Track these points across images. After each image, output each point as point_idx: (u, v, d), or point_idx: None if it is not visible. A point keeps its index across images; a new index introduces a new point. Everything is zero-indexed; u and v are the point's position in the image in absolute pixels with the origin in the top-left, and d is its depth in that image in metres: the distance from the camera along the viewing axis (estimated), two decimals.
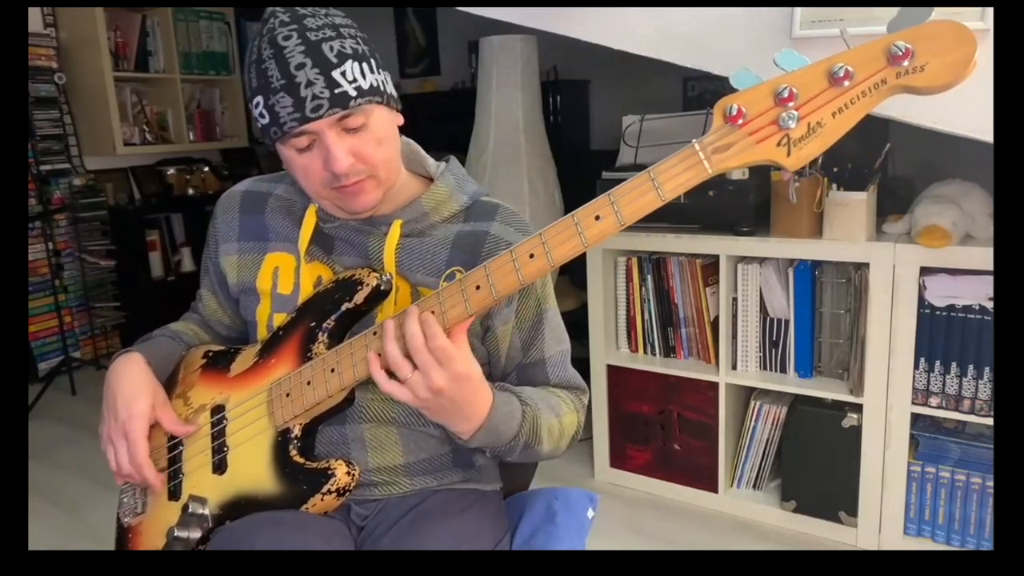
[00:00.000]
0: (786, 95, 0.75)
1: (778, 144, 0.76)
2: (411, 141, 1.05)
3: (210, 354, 1.05)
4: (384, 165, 0.92)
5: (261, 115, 0.89)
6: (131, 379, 0.99)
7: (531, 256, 0.82)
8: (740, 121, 0.76)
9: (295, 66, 0.85)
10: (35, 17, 3.55)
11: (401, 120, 0.96)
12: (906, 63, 0.72)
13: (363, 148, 0.89)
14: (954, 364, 1.76)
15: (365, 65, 0.89)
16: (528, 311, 1.00)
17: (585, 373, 2.32)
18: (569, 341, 1.07)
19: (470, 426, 0.87)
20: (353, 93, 0.87)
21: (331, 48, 0.86)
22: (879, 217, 1.92)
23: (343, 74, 0.86)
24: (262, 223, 1.04)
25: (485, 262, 0.85)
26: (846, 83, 0.73)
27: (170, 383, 1.04)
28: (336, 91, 0.86)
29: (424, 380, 0.82)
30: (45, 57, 3.55)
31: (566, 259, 0.82)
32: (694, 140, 0.78)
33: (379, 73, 0.91)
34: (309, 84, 0.85)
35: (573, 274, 3.15)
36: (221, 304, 1.12)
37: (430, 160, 1.04)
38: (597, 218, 0.80)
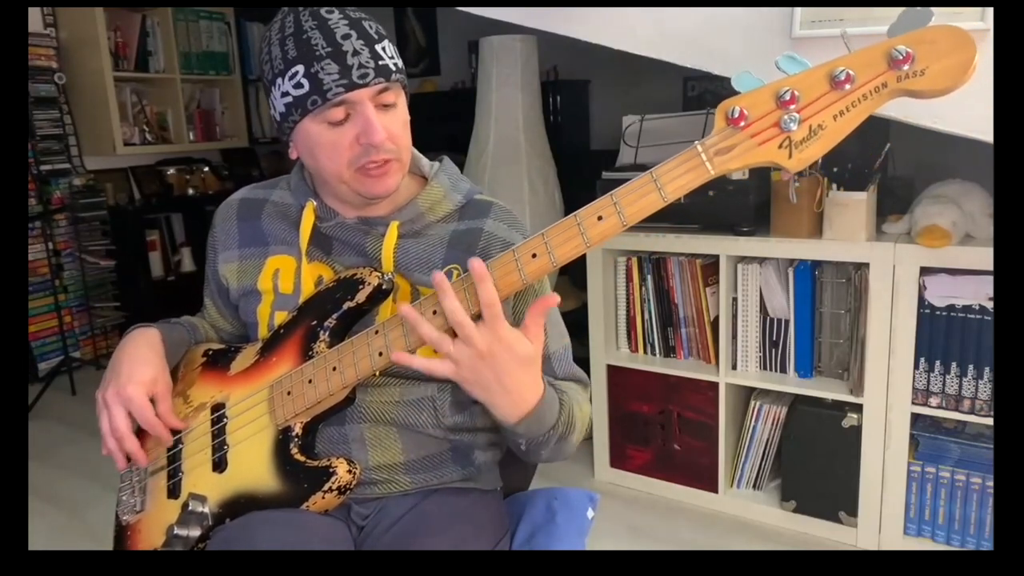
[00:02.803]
0: (788, 98, 0.75)
1: (780, 146, 0.77)
2: None
3: (210, 352, 1.06)
4: (407, 149, 0.96)
5: (298, 85, 0.88)
6: (142, 352, 0.99)
7: (533, 256, 0.83)
8: (742, 123, 0.77)
9: (341, 35, 0.88)
10: (35, 17, 3.55)
11: (409, 117, 0.98)
12: (906, 67, 0.72)
13: (393, 127, 0.92)
14: (954, 364, 1.76)
15: (395, 49, 0.94)
16: (527, 308, 0.99)
17: (585, 373, 2.33)
18: (569, 336, 1.06)
19: (515, 410, 0.85)
20: (393, 68, 0.91)
21: (370, 26, 0.92)
22: (879, 217, 1.92)
23: (383, 49, 0.91)
24: (260, 228, 1.05)
25: (487, 262, 0.84)
26: (847, 86, 0.74)
27: (171, 376, 1.04)
28: (380, 62, 0.89)
29: (468, 347, 0.80)
30: (45, 57, 3.55)
31: (568, 259, 0.83)
32: (696, 142, 0.78)
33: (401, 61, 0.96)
34: (356, 53, 0.88)
35: (573, 274, 3.15)
36: (221, 312, 1.13)
37: (424, 160, 1.05)
38: (600, 218, 0.80)
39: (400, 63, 0.94)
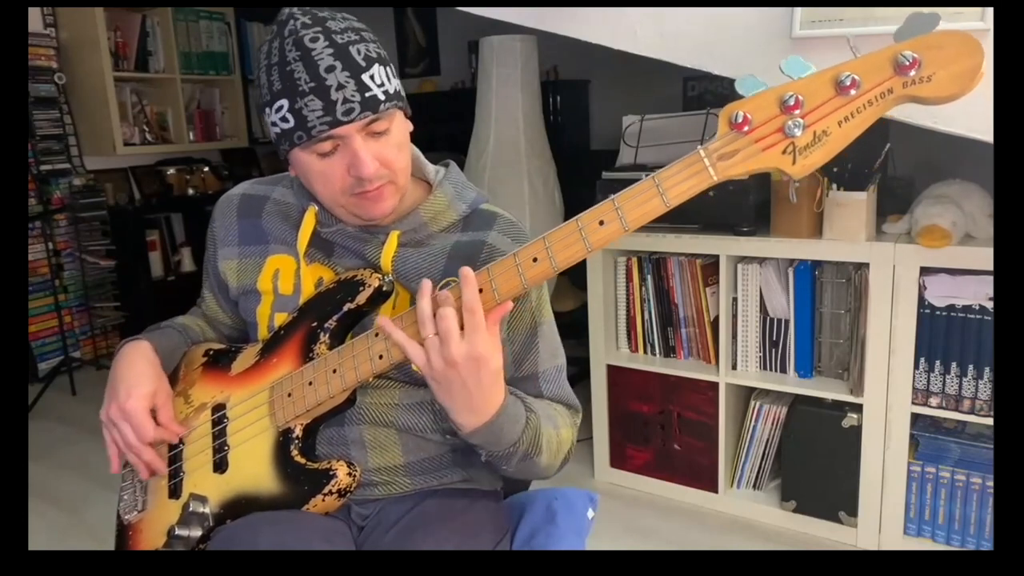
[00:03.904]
0: (792, 103, 0.74)
1: (784, 152, 0.76)
2: (412, 146, 1.05)
3: (211, 352, 1.05)
4: (403, 172, 0.93)
5: (284, 119, 0.86)
6: (137, 366, 0.99)
7: (534, 260, 0.82)
8: (746, 128, 0.76)
9: (325, 68, 0.84)
10: (35, 17, 3.55)
11: (411, 127, 0.96)
12: (913, 73, 0.71)
13: (386, 153, 0.89)
14: (954, 364, 1.76)
15: (388, 70, 0.90)
16: (522, 324, 0.98)
17: (585, 373, 2.34)
18: (565, 357, 1.03)
19: (474, 419, 0.83)
20: (382, 97, 0.87)
21: (358, 51, 0.86)
22: (879, 217, 1.92)
23: (371, 78, 0.86)
24: (260, 227, 1.04)
25: (488, 265, 0.84)
26: (852, 92, 0.73)
27: (171, 380, 1.04)
28: (367, 95, 0.85)
29: (441, 347, 0.79)
30: (45, 57, 3.55)
31: (570, 263, 0.82)
32: (699, 147, 0.78)
33: (397, 79, 0.92)
34: (340, 87, 0.84)
35: (573, 274, 3.15)
36: (221, 306, 1.13)
37: (429, 166, 1.03)
38: (601, 223, 0.80)
39: (392, 88, 0.89)
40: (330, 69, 0.84)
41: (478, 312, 0.79)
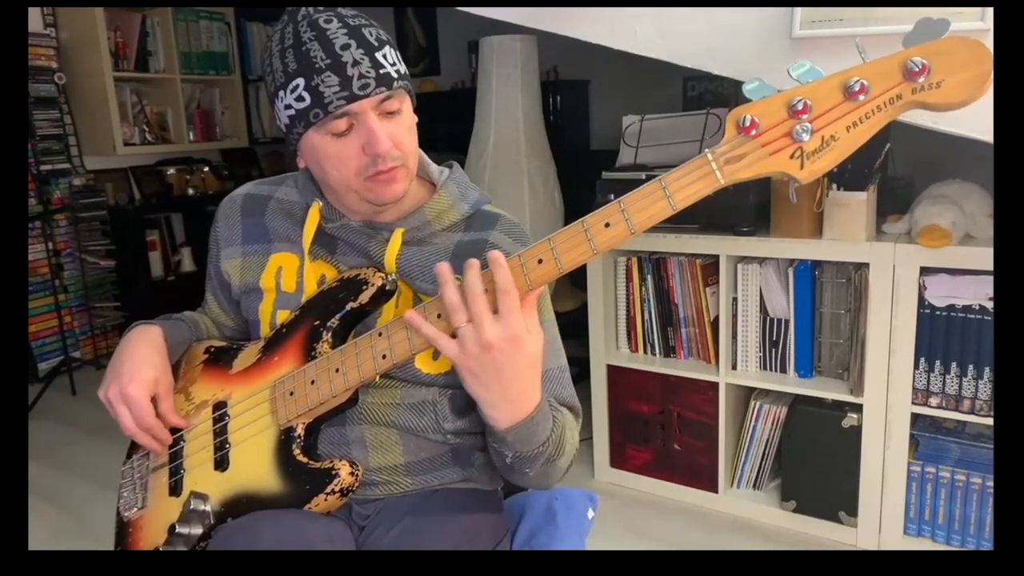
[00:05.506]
0: (800, 107, 0.74)
1: (791, 156, 0.76)
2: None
3: (212, 350, 1.06)
4: (413, 155, 0.95)
5: (299, 98, 0.87)
6: (145, 351, 0.99)
7: (539, 261, 0.82)
8: (753, 132, 0.76)
9: (340, 46, 0.87)
10: (35, 17, 3.55)
11: (416, 118, 0.97)
12: (922, 79, 0.71)
13: (398, 134, 0.91)
14: (954, 364, 1.76)
15: (397, 54, 0.93)
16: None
17: (585, 373, 2.34)
18: (566, 358, 1.03)
19: (511, 411, 0.82)
20: (395, 75, 0.90)
21: (370, 33, 0.90)
22: (879, 217, 1.92)
23: (384, 57, 0.89)
24: (263, 226, 1.05)
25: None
26: (861, 97, 0.73)
27: (173, 373, 1.04)
28: (381, 71, 0.88)
29: (475, 332, 0.78)
30: (45, 57, 3.55)
31: (575, 265, 0.82)
32: (706, 150, 0.78)
33: (404, 65, 0.94)
34: (356, 63, 0.87)
35: (573, 274, 3.15)
36: (223, 308, 1.12)
37: (433, 165, 1.04)
38: (607, 225, 0.80)
39: (403, 69, 0.92)
40: (345, 47, 0.87)
41: (513, 292, 0.79)
